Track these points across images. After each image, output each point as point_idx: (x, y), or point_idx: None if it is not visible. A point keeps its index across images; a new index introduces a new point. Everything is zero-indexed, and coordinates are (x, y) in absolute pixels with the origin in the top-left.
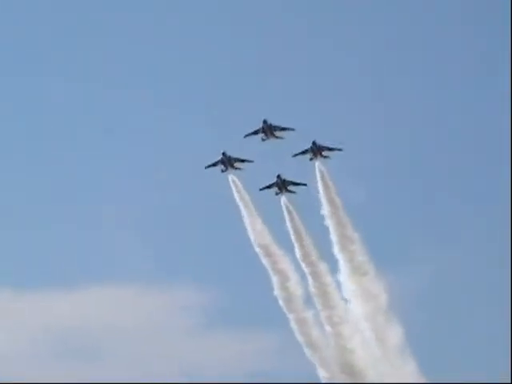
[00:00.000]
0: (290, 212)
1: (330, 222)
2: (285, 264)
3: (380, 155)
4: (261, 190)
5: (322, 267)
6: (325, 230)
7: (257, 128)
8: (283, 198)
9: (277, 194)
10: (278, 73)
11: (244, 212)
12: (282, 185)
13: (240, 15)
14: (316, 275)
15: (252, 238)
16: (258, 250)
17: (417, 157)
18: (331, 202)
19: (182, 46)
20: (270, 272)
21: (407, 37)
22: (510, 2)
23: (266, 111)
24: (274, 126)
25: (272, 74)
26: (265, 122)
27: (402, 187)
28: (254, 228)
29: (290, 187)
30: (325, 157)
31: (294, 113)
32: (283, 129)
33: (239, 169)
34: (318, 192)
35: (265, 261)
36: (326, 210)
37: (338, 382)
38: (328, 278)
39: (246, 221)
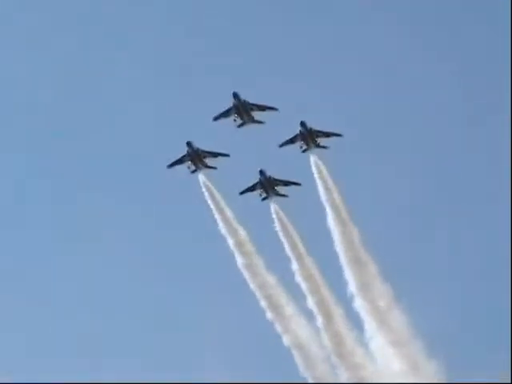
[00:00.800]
0: (289, 236)
1: (344, 259)
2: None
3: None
4: (241, 193)
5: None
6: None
7: (227, 107)
8: (274, 207)
9: (263, 198)
10: (250, 41)
11: (235, 251)
12: (268, 185)
13: None
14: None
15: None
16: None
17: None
18: (337, 213)
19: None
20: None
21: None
22: (510, 1)
23: (238, 87)
24: (250, 104)
25: (243, 43)
26: (235, 96)
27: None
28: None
29: (279, 188)
30: (321, 146)
31: (274, 89)
32: (262, 108)
33: (212, 167)
34: (319, 195)
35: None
36: (335, 230)
37: None
38: None
39: (247, 276)
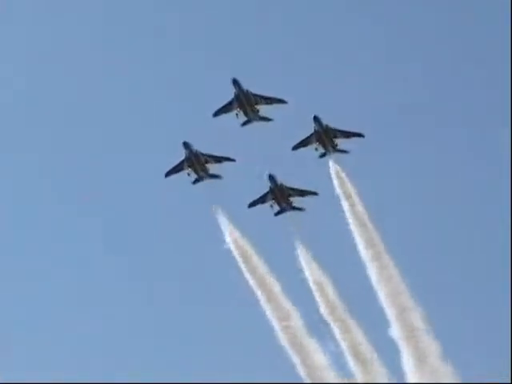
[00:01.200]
0: (311, 268)
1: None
2: None
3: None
4: (250, 206)
5: None
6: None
7: (228, 100)
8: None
9: (277, 213)
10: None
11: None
12: (281, 195)
13: None
14: None
15: None
16: None
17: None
18: (365, 232)
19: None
20: None
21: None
22: (511, 1)
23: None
24: (254, 95)
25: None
26: (236, 83)
27: None
28: None
29: (294, 199)
30: (341, 150)
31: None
32: (268, 101)
33: (216, 176)
34: (341, 208)
35: None
36: (366, 259)
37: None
38: None
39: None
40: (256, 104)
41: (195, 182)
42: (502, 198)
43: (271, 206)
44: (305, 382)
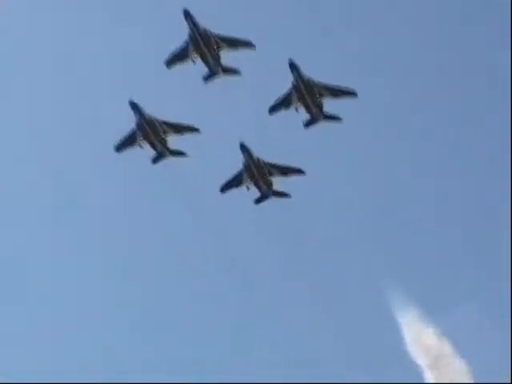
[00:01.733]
0: None
1: None
2: None
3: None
4: (222, 190)
5: None
6: None
7: (182, 44)
8: None
9: (257, 201)
10: None
11: None
12: (259, 173)
13: None
14: None
15: None
16: None
17: None
18: None
19: None
20: None
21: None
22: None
23: None
24: (214, 36)
25: None
26: (188, 16)
27: None
28: None
29: (276, 180)
30: (331, 117)
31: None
32: (232, 43)
33: (180, 154)
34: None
35: None
36: None
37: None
38: None
39: None
40: (217, 47)
41: (155, 160)
42: (502, 198)
43: (247, 187)
44: None
